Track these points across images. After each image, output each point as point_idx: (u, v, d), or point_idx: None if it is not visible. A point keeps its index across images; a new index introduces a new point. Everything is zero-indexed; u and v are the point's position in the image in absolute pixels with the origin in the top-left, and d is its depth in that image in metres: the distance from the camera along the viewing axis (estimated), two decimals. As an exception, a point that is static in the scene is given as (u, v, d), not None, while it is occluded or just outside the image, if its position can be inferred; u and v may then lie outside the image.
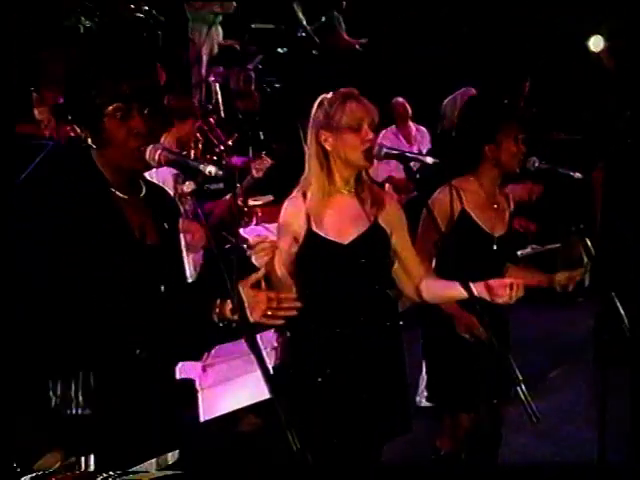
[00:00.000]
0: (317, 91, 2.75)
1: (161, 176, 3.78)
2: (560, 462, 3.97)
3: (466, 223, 3.25)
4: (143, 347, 1.97)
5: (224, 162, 6.26)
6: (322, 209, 2.66)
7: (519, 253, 6.87)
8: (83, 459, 1.95)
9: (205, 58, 8.15)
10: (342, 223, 2.67)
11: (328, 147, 2.64)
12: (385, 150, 2.65)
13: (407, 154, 2.69)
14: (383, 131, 6.72)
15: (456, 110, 4.91)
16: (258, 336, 3.27)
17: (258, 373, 2.56)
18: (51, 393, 1.92)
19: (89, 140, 1.91)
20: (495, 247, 3.31)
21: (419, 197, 3.27)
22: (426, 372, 3.49)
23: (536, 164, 3.26)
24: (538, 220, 6.19)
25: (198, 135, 5.87)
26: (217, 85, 7.49)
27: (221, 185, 5.81)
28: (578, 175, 3.20)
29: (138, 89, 1.91)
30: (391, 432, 2.80)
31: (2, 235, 1.94)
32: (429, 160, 2.63)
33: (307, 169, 2.70)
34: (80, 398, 1.91)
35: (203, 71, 8.00)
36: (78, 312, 1.86)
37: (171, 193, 2.18)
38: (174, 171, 4.42)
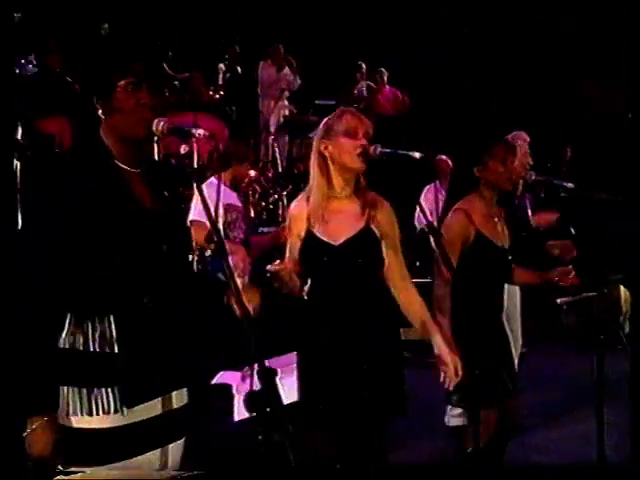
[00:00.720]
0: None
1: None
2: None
3: (482, 242, 3.30)
4: (150, 296, 2.13)
5: (280, 211, 6.58)
6: (321, 211, 2.76)
7: (558, 301, 6.79)
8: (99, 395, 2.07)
9: (272, 128, 8.66)
10: (337, 225, 2.76)
11: (327, 154, 2.77)
12: (380, 149, 2.76)
13: (398, 152, 2.82)
14: (427, 186, 6.88)
15: None
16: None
17: (288, 380, 2.67)
18: (64, 334, 2.08)
19: (99, 111, 2.13)
20: (510, 257, 3.38)
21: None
22: None
23: (532, 177, 3.40)
24: (577, 268, 6.12)
25: (256, 186, 6.23)
26: (276, 144, 7.94)
27: (273, 228, 6.11)
28: (570, 185, 3.31)
29: (149, 70, 2.14)
30: (391, 412, 2.82)
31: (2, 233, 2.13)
32: (417, 155, 2.77)
33: (310, 176, 2.83)
34: (97, 338, 2.07)
35: (267, 135, 8.49)
36: (89, 270, 2.05)
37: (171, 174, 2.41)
38: (228, 200, 4.77)
